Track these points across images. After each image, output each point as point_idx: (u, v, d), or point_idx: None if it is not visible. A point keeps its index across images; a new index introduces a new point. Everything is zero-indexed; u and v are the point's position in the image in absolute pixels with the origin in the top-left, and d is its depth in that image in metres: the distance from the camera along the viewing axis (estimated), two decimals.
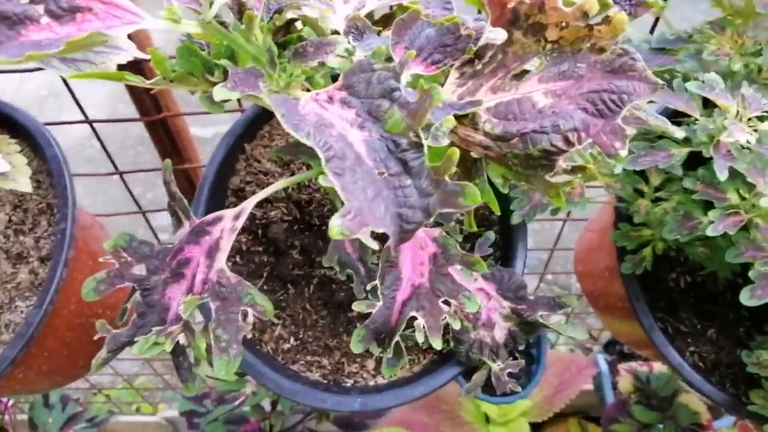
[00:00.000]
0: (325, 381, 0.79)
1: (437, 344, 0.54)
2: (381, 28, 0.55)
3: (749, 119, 0.56)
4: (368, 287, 0.55)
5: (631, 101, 0.41)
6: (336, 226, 0.32)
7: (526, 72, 0.45)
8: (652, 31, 0.77)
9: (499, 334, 0.73)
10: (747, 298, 0.56)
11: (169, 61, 0.50)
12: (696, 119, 0.58)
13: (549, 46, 0.45)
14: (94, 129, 0.88)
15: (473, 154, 0.44)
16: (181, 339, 0.49)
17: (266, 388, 0.73)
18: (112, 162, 0.95)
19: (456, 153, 0.36)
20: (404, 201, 0.37)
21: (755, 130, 0.55)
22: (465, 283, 0.70)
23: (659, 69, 0.65)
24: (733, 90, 0.59)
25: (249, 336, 0.80)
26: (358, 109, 0.40)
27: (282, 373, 0.74)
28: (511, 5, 0.44)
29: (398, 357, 0.56)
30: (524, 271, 0.81)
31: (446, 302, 0.55)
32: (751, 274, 0.56)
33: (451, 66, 0.48)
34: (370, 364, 0.81)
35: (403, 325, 0.55)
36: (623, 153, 0.41)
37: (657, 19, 0.75)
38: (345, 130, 0.39)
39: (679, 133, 0.50)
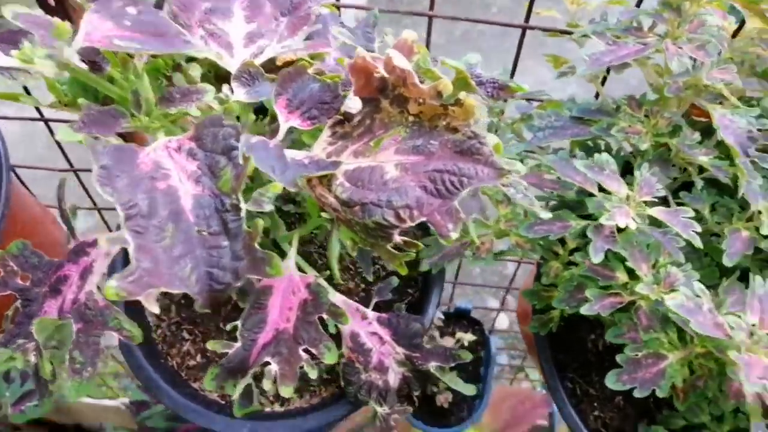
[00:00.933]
0: (223, 402, 0.80)
1: (287, 393, 0.55)
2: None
3: (639, 203, 0.56)
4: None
5: (471, 185, 0.42)
6: (112, 287, 0.33)
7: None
8: None
9: (393, 378, 0.73)
10: (612, 381, 0.55)
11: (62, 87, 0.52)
12: (594, 196, 0.58)
13: (411, 118, 0.45)
14: (48, 125, 0.91)
15: (324, 215, 0.45)
16: (33, 357, 0.50)
17: (161, 403, 0.74)
18: (67, 159, 0.98)
19: (261, 224, 0.37)
20: (217, 261, 0.38)
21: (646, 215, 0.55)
22: (358, 325, 0.70)
23: (574, 139, 0.65)
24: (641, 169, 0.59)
25: (158, 348, 0.81)
26: (201, 163, 0.41)
27: (181, 390, 0.75)
28: (378, 74, 0.45)
29: (248, 399, 0.57)
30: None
31: (307, 350, 0.56)
32: (619, 358, 0.55)
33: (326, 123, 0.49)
34: (272, 390, 0.81)
35: (255, 369, 0.55)
36: (454, 235, 0.41)
37: None
38: (178, 183, 0.40)
39: (544, 213, 0.50)
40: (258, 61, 0.56)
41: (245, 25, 0.57)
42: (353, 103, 0.44)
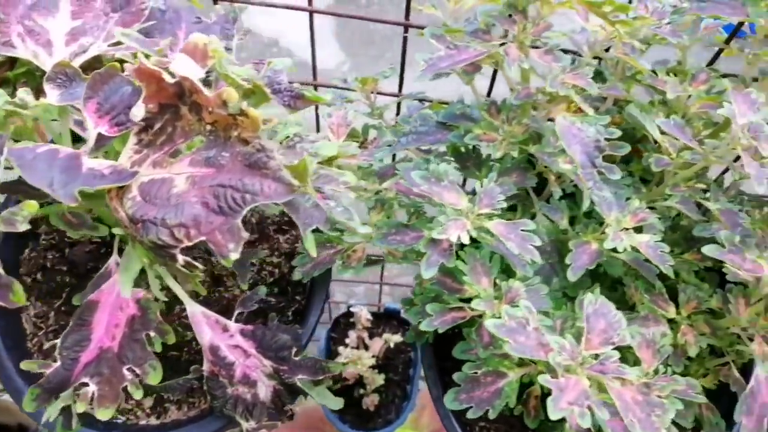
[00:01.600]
0: None
1: (104, 415, 0.52)
2: None
3: (479, 215, 0.53)
4: (46, 345, 0.53)
5: (256, 201, 0.39)
6: None
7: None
8: None
9: (264, 392, 0.71)
10: (450, 401, 0.53)
11: None
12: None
13: (209, 127, 0.43)
14: None
15: (116, 231, 0.42)
16: None
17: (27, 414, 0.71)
18: None
19: None
20: None
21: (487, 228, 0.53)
22: (218, 338, 0.68)
23: (431, 144, 0.63)
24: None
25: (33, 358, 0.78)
26: None
27: None
28: (171, 80, 0.42)
29: (68, 421, 0.54)
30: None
31: (131, 369, 0.53)
32: (456, 376, 0.54)
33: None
34: (148, 402, 0.79)
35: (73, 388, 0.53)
36: (234, 255, 0.39)
37: None
38: None
39: (362, 228, 0.48)
40: (79, 61, 0.53)
41: (70, 21, 0.54)
42: (137, 111, 0.41)
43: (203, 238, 0.39)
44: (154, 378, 0.53)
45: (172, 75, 0.41)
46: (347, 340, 1.44)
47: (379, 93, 0.77)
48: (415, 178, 0.52)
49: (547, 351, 0.47)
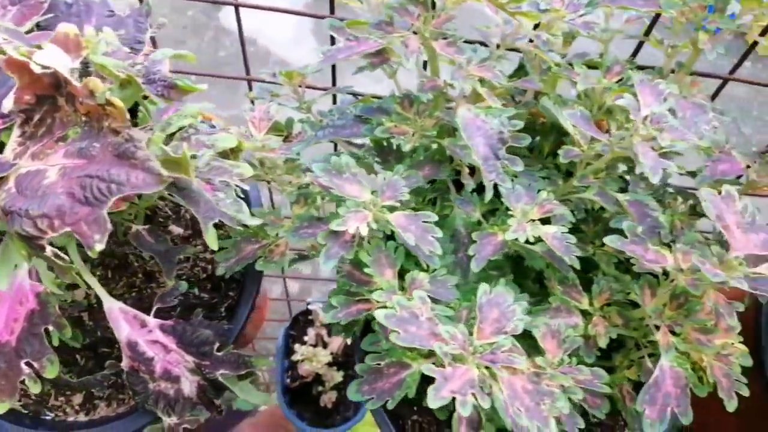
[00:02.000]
0: (25, 411, 0.76)
1: (1, 409, 0.51)
2: None
3: (382, 207, 0.53)
4: None
5: (122, 192, 0.39)
6: None
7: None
8: None
9: (189, 387, 0.70)
10: (352, 393, 0.53)
11: None
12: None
13: (84, 118, 0.42)
14: None
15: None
16: None
17: None
18: None
19: None
20: None
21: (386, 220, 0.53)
22: (136, 334, 0.67)
23: (347, 138, 0.62)
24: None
25: None
26: None
27: None
28: (43, 71, 0.42)
29: None
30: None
31: (29, 363, 0.53)
32: (358, 368, 0.53)
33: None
34: (77, 398, 0.78)
35: None
36: (99, 246, 0.38)
37: None
38: None
39: (250, 220, 0.47)
40: None
41: None
42: (6, 102, 0.41)
43: (68, 228, 0.39)
44: (51, 371, 0.52)
45: (42, 66, 0.41)
46: (306, 338, 1.44)
47: (308, 87, 0.77)
48: (315, 171, 0.52)
49: (439, 341, 0.47)
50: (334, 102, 0.88)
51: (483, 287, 0.50)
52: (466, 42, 0.59)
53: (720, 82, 0.78)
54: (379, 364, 0.54)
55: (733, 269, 0.52)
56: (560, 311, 0.61)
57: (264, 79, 0.75)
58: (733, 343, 0.63)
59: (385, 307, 0.54)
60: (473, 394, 0.44)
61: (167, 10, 3.43)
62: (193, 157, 0.47)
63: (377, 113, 0.63)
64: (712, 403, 1.05)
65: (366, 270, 0.53)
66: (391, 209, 0.53)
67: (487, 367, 0.47)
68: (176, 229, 0.86)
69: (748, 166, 0.66)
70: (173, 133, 0.48)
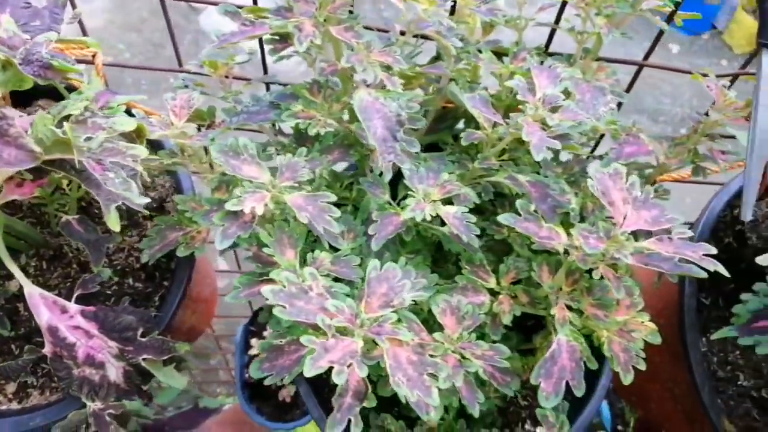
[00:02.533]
0: None
1: None
2: None
3: (280, 188, 0.55)
4: None
5: None
6: None
7: None
8: None
9: (114, 373, 0.71)
10: (254, 369, 0.55)
11: None
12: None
13: None
14: None
15: None
16: None
17: None
18: None
19: None
20: None
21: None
22: (57, 319, 0.68)
23: (260, 123, 0.64)
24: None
25: None
26: None
27: None
28: None
29: None
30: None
31: None
32: (259, 345, 0.55)
33: None
34: (11, 387, 0.79)
35: None
36: None
37: None
38: None
39: (139, 199, 0.49)
40: None
41: None
42: None
43: None
44: None
45: None
46: (265, 333, 1.45)
47: (236, 78, 0.78)
48: (213, 152, 0.54)
49: (327, 314, 0.48)
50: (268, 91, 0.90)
51: (373, 263, 0.51)
52: (369, 29, 0.60)
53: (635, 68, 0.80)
54: (280, 342, 0.55)
55: (619, 244, 0.54)
56: (467, 290, 0.63)
57: (190, 70, 0.76)
58: (642, 322, 0.65)
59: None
60: (351, 365, 0.46)
61: (147, 13, 3.44)
62: (88, 139, 0.49)
63: (288, 99, 0.65)
64: (654, 393, 1.07)
65: (265, 250, 0.55)
66: (290, 190, 0.55)
67: (373, 340, 0.49)
68: None
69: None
70: (68, 116, 0.49)
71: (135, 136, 0.56)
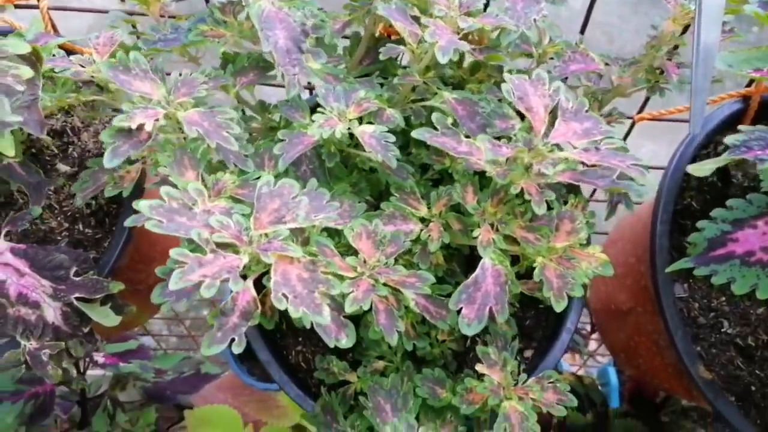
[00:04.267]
0: None
1: None
2: None
3: (176, 104, 0.52)
4: None
5: None
6: None
7: None
8: None
9: (51, 314, 0.70)
10: (156, 296, 0.52)
11: None
12: None
13: None
14: None
15: None
16: None
17: None
18: None
19: None
20: None
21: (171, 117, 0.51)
22: None
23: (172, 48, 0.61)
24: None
25: None
26: None
27: None
28: None
29: None
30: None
31: None
32: (157, 270, 0.52)
33: None
34: None
35: None
36: None
37: None
38: None
39: (11, 117, 0.46)
40: None
41: None
42: None
43: None
44: None
45: None
46: None
47: (170, 16, 0.75)
48: (102, 68, 0.51)
49: (209, 230, 0.45)
50: None
51: (266, 178, 0.48)
52: None
53: None
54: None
55: (540, 155, 0.49)
56: (395, 218, 0.59)
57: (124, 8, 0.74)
58: (593, 253, 0.60)
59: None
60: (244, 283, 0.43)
61: None
62: None
63: (203, 21, 0.62)
64: (641, 347, 1.01)
65: (161, 170, 0.52)
66: (185, 107, 0.52)
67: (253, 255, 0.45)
68: (63, 167, 0.86)
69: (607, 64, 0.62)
70: None
71: (34, 61, 0.54)
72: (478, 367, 0.59)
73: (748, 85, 0.78)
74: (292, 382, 0.74)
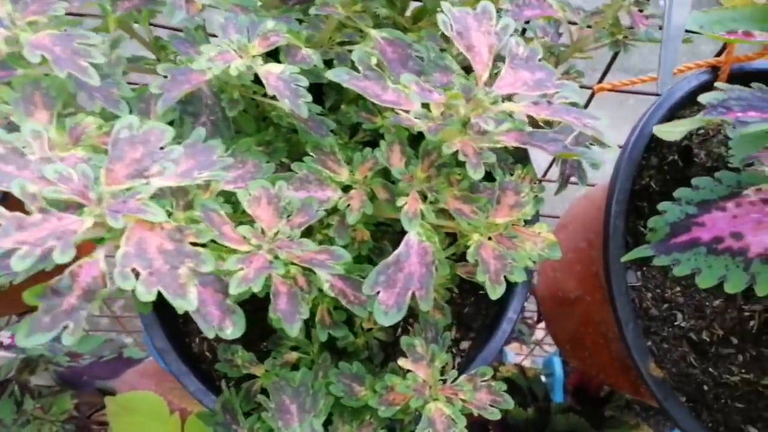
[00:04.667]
0: None
1: None
2: None
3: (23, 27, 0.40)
4: None
5: None
6: None
7: None
8: None
9: None
10: None
11: None
12: None
13: None
14: None
15: None
16: None
17: None
18: None
19: None
20: None
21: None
22: None
23: None
24: None
25: None
26: None
27: None
28: None
29: None
30: None
31: None
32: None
33: None
34: None
35: None
36: None
37: None
38: None
39: None
40: None
41: None
42: None
43: None
44: None
45: None
46: None
47: None
48: None
49: (44, 184, 0.34)
50: None
51: (127, 119, 0.37)
52: None
53: None
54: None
55: (480, 106, 0.39)
56: (309, 182, 0.49)
57: None
58: (538, 232, 0.52)
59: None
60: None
61: None
62: None
63: None
64: (587, 338, 0.94)
65: (2, 108, 0.40)
66: (34, 27, 0.40)
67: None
68: None
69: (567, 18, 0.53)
70: None
71: None
72: (402, 362, 0.50)
73: (719, 54, 0.71)
74: (192, 373, 0.63)
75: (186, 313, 0.69)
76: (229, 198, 0.45)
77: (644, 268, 0.78)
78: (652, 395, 0.67)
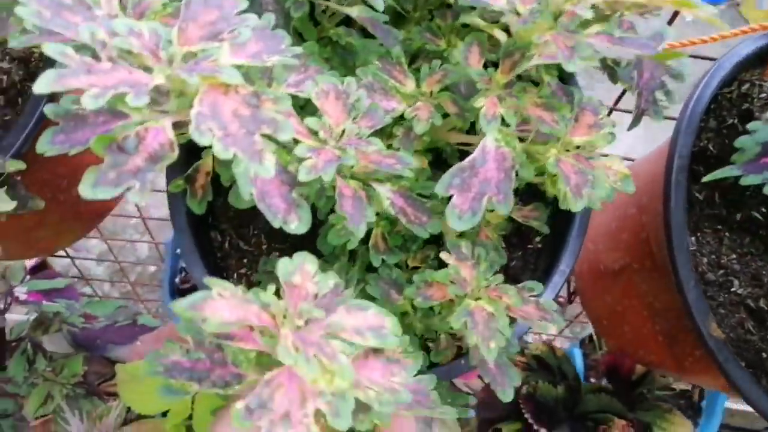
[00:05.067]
0: None
1: None
2: None
3: None
4: None
5: None
6: None
7: None
8: None
9: None
10: (46, 143, 0.38)
11: None
12: None
13: None
14: None
15: None
16: None
17: None
18: None
19: None
20: None
21: None
22: None
23: None
24: None
25: None
26: None
27: None
28: None
29: None
30: None
31: None
32: (49, 109, 0.38)
33: None
34: None
35: None
36: None
37: None
38: None
39: None
40: None
41: None
42: None
43: None
44: None
45: None
46: None
47: None
48: None
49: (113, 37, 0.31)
50: None
51: None
52: None
53: None
54: (84, 109, 0.38)
55: None
56: (374, 90, 0.46)
57: None
58: (610, 166, 0.48)
59: None
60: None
61: None
62: None
63: None
64: (629, 311, 0.90)
65: None
66: None
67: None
68: None
69: None
70: None
71: None
72: (444, 256, 0.46)
73: None
74: None
75: (225, 249, 0.66)
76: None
77: (698, 234, 0.75)
78: (712, 358, 0.63)
